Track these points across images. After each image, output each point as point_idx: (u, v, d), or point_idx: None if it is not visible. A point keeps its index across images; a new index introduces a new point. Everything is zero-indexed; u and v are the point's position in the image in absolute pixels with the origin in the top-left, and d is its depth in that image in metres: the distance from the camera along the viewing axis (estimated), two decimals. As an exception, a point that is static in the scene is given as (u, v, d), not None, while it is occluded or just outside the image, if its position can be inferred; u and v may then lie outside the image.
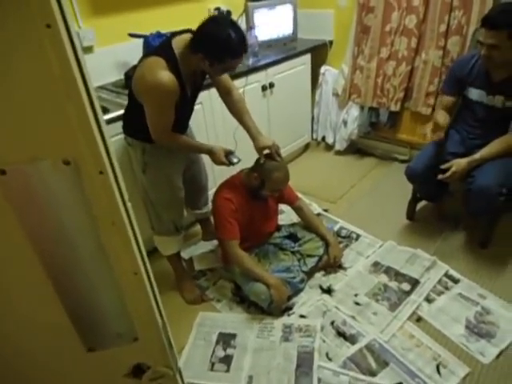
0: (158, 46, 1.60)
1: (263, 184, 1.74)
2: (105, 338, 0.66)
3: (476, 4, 2.13)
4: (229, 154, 1.70)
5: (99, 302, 0.63)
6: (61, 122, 0.45)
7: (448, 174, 1.80)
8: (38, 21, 0.39)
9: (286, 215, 2.28)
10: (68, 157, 0.47)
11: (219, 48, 1.41)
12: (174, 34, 1.49)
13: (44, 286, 0.58)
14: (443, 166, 1.82)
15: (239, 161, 1.72)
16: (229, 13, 2.55)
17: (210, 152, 1.67)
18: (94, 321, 0.64)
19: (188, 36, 1.46)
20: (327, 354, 1.57)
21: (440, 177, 1.82)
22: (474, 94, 1.91)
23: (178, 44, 1.44)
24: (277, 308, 1.73)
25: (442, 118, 1.99)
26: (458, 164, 1.81)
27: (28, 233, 0.53)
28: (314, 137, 3.20)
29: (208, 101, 2.11)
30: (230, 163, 1.69)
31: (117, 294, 0.61)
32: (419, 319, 1.69)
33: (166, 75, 1.37)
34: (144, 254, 0.61)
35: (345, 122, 2.91)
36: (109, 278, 0.60)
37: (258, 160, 1.77)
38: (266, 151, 1.73)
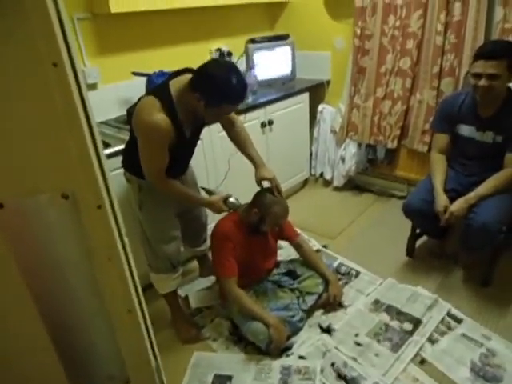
0: (155, 86, 1.61)
1: (263, 219, 1.73)
2: (95, 381, 0.63)
3: (467, 48, 2.23)
4: (227, 199, 1.69)
5: (91, 341, 0.61)
6: (61, 156, 0.45)
7: (446, 216, 1.83)
8: (45, 59, 0.40)
9: (285, 251, 2.25)
10: (67, 190, 0.47)
11: (217, 91, 1.38)
12: (175, 74, 1.50)
13: (34, 323, 0.56)
14: (439, 213, 1.86)
15: (239, 204, 1.72)
16: (230, 54, 2.66)
17: (209, 204, 1.67)
18: (85, 361, 0.61)
19: (187, 76, 1.46)
20: (328, 399, 1.50)
21: (442, 222, 1.86)
22: (465, 130, 1.95)
23: (175, 84, 1.44)
24: (275, 349, 1.67)
25: (438, 181, 1.95)
26: (454, 206, 1.83)
27: (22, 267, 0.52)
28: (313, 173, 3.24)
29: (208, 136, 2.14)
30: (230, 209, 1.70)
31: (109, 333, 0.59)
32: (423, 361, 1.62)
33: (158, 116, 1.35)
34: (139, 291, 0.60)
35: (342, 159, 2.95)
36: (102, 316, 0.58)
37: (256, 195, 1.77)
38: (266, 183, 1.73)
